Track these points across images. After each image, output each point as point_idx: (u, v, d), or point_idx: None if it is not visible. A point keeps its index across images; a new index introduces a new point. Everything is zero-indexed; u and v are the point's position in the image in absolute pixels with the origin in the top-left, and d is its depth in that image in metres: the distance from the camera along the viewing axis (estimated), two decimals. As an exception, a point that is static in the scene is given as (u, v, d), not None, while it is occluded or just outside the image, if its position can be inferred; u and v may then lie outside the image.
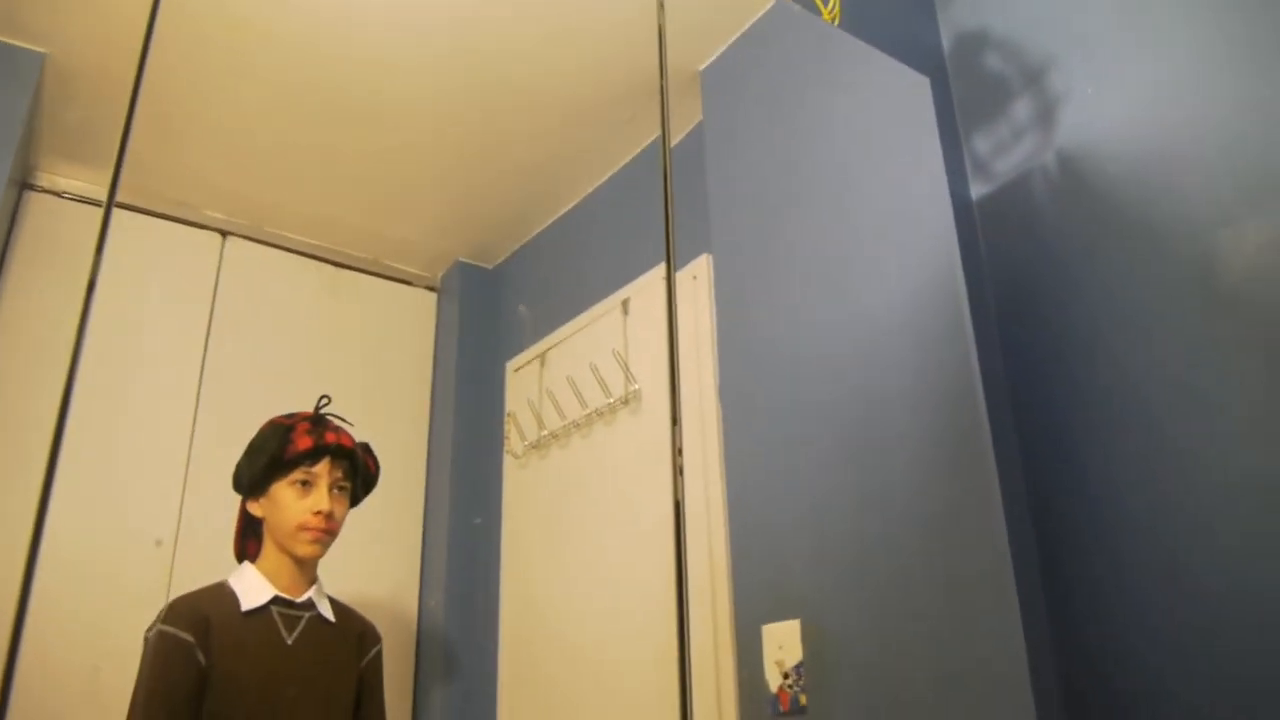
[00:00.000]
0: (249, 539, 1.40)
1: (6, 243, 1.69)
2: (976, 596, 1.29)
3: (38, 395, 1.54)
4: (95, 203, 1.82)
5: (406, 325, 2.20)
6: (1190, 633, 1.20)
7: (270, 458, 1.35)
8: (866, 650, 1.29)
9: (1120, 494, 1.30)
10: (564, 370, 1.90)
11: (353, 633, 1.42)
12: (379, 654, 1.45)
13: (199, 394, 1.76)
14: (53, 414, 0.97)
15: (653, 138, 1.87)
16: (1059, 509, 1.35)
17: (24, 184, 1.77)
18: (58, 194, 1.80)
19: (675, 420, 1.25)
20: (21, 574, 0.76)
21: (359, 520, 1.45)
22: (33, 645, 0.88)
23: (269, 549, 1.36)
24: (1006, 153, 1.49)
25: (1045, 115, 1.45)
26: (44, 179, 1.79)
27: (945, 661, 1.25)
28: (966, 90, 1.57)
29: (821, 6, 1.38)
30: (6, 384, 1.57)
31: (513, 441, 2.02)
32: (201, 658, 1.23)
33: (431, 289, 2.27)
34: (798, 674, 1.30)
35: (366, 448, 1.46)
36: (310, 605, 1.36)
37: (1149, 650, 1.22)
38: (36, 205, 1.77)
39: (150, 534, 1.52)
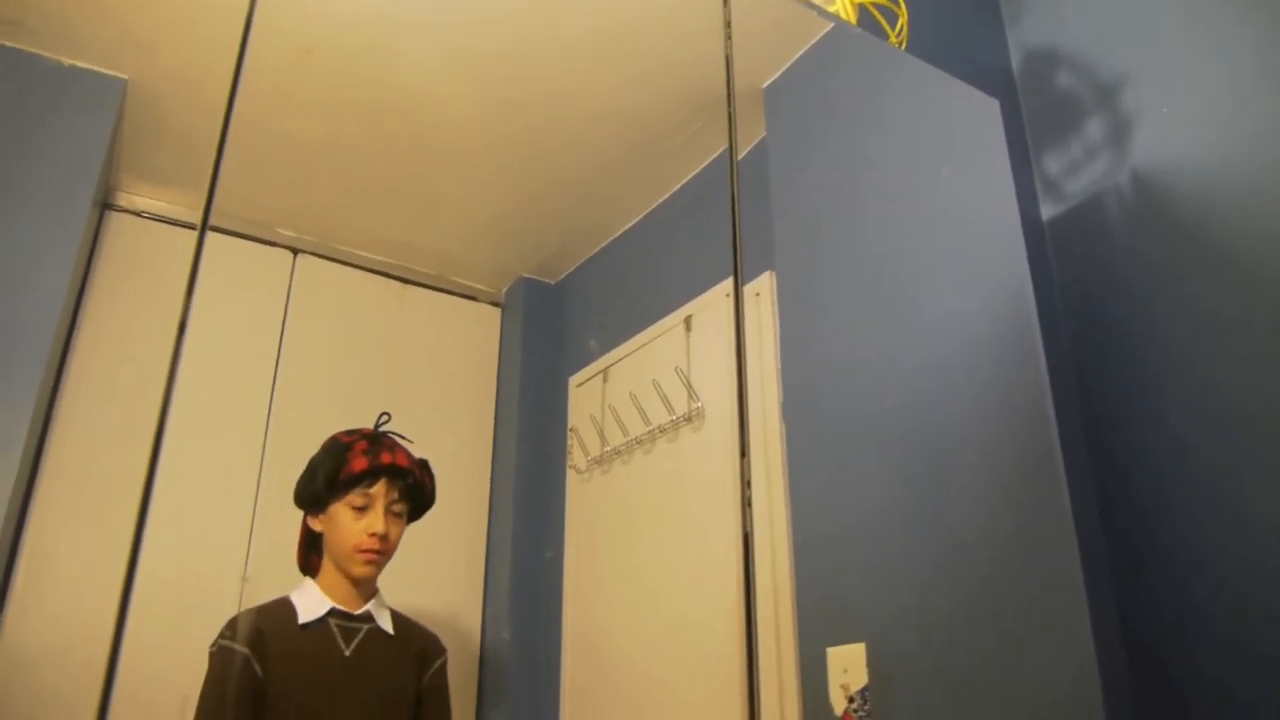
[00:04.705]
0: (311, 553, 1.43)
1: (89, 262, 1.75)
2: (1048, 624, 1.27)
3: (120, 413, 1.59)
4: (173, 222, 1.87)
5: (472, 340, 2.22)
6: (1274, 664, 1.17)
7: (327, 478, 1.39)
8: (934, 675, 1.28)
9: (1198, 520, 1.27)
10: (627, 386, 1.91)
11: (413, 647, 1.43)
12: (443, 666, 1.46)
13: (270, 413, 1.80)
14: (139, 437, 0.99)
15: (715, 154, 1.87)
16: (1134, 535, 1.33)
17: (105, 204, 1.82)
18: (137, 214, 1.85)
19: (744, 452, 1.25)
20: (117, 606, 0.79)
21: (423, 534, 1.47)
22: (125, 676, 0.91)
23: (328, 565, 1.39)
24: (1078, 173, 1.47)
25: (1118, 134, 1.42)
26: (123, 199, 1.85)
27: (1016, 689, 1.24)
28: (1037, 109, 1.55)
29: (889, 30, 1.37)
30: (90, 402, 1.62)
31: (575, 456, 2.04)
32: (259, 669, 1.27)
33: (496, 304, 2.29)
34: (863, 698, 1.29)
35: (424, 465, 1.48)
36: (369, 618, 1.38)
37: (1230, 680, 1.20)
38: (116, 224, 1.82)
39: (236, 567, 1.56)
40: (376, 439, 1.43)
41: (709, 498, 1.64)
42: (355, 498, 1.37)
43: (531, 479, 2.12)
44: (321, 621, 1.34)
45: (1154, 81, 1.42)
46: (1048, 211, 1.50)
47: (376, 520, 1.37)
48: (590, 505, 1.99)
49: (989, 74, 1.54)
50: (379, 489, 1.39)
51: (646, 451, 1.85)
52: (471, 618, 2.00)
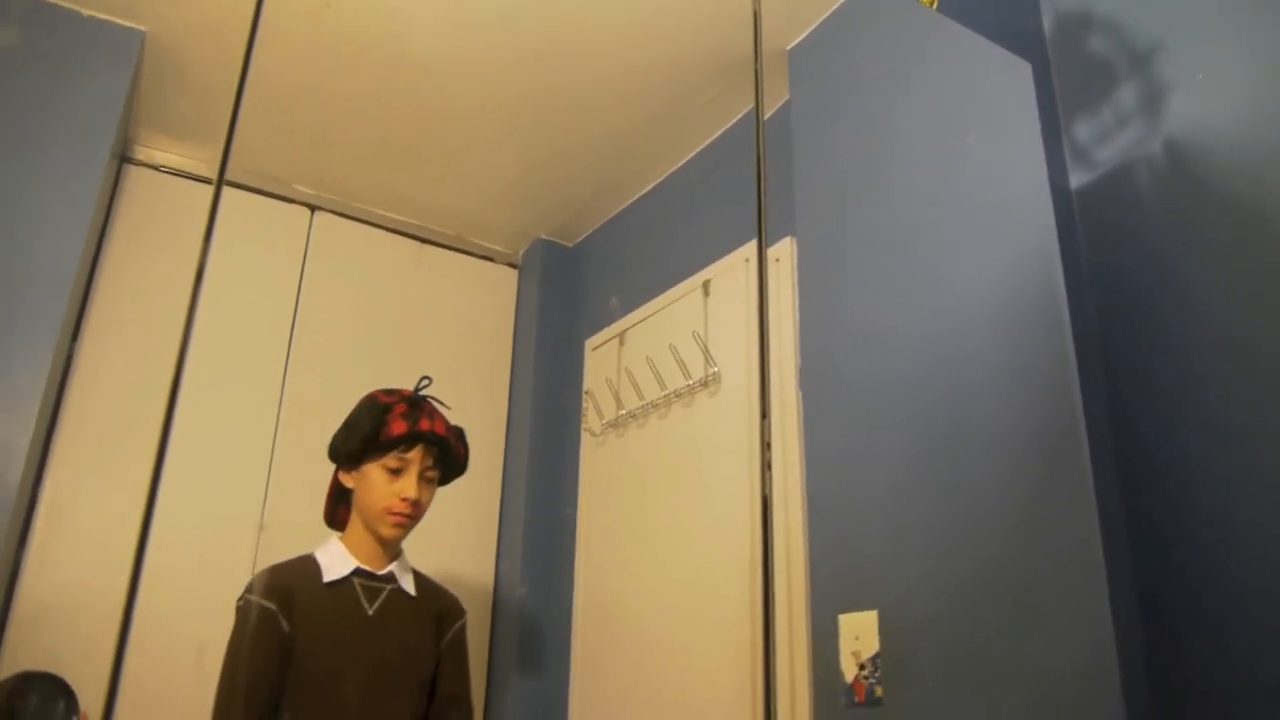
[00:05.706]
0: (339, 506, 1.44)
1: (108, 216, 1.75)
2: (1064, 594, 1.26)
3: (139, 366, 1.60)
4: (190, 176, 1.86)
5: (488, 301, 2.22)
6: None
7: (364, 438, 1.37)
8: (946, 644, 1.27)
9: (1220, 495, 1.26)
10: (643, 350, 1.91)
11: (434, 608, 1.43)
12: (462, 628, 1.47)
13: (287, 367, 1.80)
14: (157, 389, 0.99)
15: (735, 119, 1.84)
16: (1158, 508, 1.31)
17: (123, 158, 1.82)
18: (155, 167, 1.85)
19: (765, 414, 1.24)
20: (132, 558, 0.79)
21: (440, 490, 1.47)
22: (143, 623, 0.92)
23: (355, 523, 1.39)
24: (1109, 141, 1.44)
25: (1152, 102, 1.39)
26: (141, 153, 1.84)
27: (1030, 662, 1.23)
28: (1068, 74, 1.51)
29: (921, -12, 1.34)
30: (108, 355, 1.62)
31: (590, 419, 2.03)
32: (285, 625, 1.27)
33: (513, 265, 2.29)
34: (874, 665, 1.29)
35: (460, 434, 1.47)
36: (392, 578, 1.38)
37: (1245, 646, 1.19)
38: (134, 178, 1.82)
39: (253, 518, 1.57)
40: (416, 403, 1.42)
41: (724, 463, 1.63)
42: (390, 460, 1.36)
43: (546, 441, 2.12)
44: (346, 580, 1.35)
45: (1189, 47, 1.39)
46: (1077, 180, 1.47)
47: (409, 485, 1.37)
48: (604, 469, 1.99)
49: (1020, 36, 1.51)
50: (415, 454, 1.38)
51: (662, 416, 1.84)
52: (485, 574, 2.02)
